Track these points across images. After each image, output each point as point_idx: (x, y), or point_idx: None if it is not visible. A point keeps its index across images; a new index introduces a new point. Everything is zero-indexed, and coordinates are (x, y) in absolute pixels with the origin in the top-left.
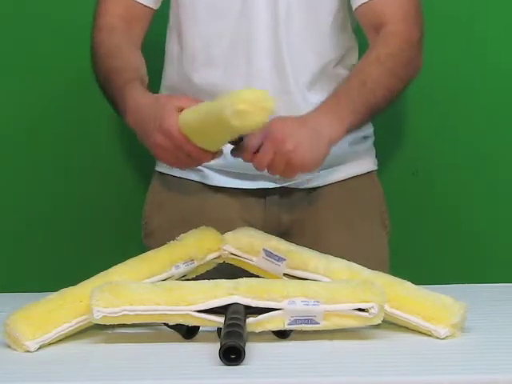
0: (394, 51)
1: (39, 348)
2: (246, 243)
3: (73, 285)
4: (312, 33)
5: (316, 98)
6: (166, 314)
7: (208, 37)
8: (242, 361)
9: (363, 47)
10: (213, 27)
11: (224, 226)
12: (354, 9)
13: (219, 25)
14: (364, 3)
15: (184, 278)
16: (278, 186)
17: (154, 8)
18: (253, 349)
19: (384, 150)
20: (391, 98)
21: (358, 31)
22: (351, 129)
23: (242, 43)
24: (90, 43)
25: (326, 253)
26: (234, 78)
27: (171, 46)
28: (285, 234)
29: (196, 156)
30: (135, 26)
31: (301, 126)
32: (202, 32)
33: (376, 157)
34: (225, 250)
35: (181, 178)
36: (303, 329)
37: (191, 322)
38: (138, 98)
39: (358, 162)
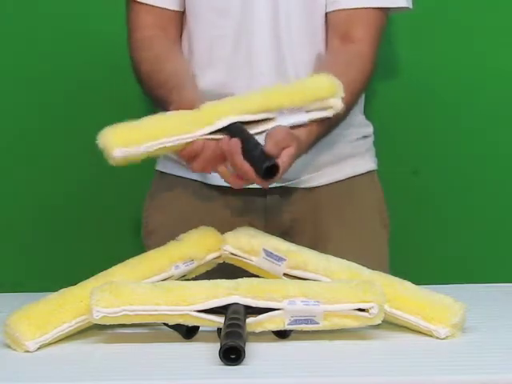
0: (360, 77)
1: (39, 348)
2: (246, 243)
3: (73, 285)
4: (312, 33)
5: None
6: (165, 314)
7: (211, 38)
8: (241, 361)
9: None
10: (215, 29)
11: (224, 226)
12: (327, 10)
13: (221, 26)
14: (340, 10)
15: (184, 277)
16: (279, 185)
17: (181, 10)
18: (253, 349)
19: (384, 149)
20: (338, 123)
21: None
22: (306, 151)
23: (243, 44)
24: (130, 59)
25: (326, 252)
26: (236, 79)
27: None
28: (285, 233)
29: None
30: (170, 31)
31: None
32: (206, 33)
33: (376, 156)
34: (225, 250)
35: (181, 177)
36: (303, 329)
37: (191, 322)
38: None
39: (358, 162)
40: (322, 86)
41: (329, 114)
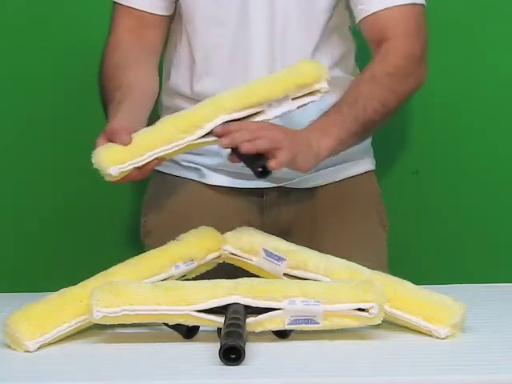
0: (390, 69)
1: (39, 348)
2: (246, 243)
3: (73, 285)
4: (306, 42)
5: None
6: (166, 314)
7: (207, 47)
8: (241, 361)
9: (363, 48)
10: (211, 37)
11: (222, 225)
12: (357, 21)
13: (217, 35)
14: (368, 16)
15: (184, 277)
16: (276, 185)
17: (167, 14)
18: (253, 349)
19: (384, 149)
20: (386, 112)
21: (356, 33)
22: (343, 144)
23: (240, 54)
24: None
25: (324, 252)
26: (232, 87)
27: (180, 50)
28: (283, 233)
29: None
30: (148, 35)
31: (292, 131)
32: (202, 42)
33: (376, 157)
34: (225, 250)
35: (179, 177)
36: (303, 329)
37: (191, 322)
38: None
39: (357, 162)
40: (305, 71)
41: (317, 98)
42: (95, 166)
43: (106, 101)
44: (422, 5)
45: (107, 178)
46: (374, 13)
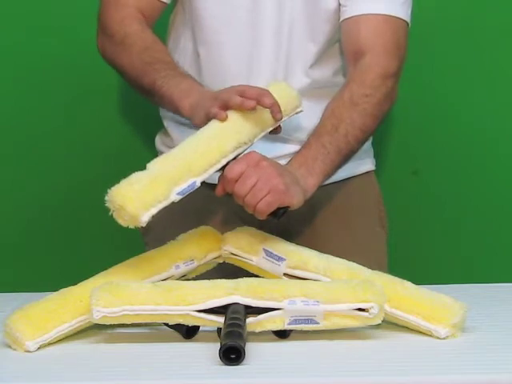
0: (369, 91)
1: (39, 348)
2: (246, 243)
3: (73, 285)
4: (312, 46)
5: (312, 108)
6: (165, 314)
7: (212, 44)
8: (241, 361)
9: None
10: (218, 36)
11: (221, 224)
12: (340, 20)
13: (225, 34)
14: (349, 18)
15: (184, 277)
16: None
17: (167, 2)
18: (253, 349)
19: (384, 149)
20: (364, 139)
21: None
22: (325, 178)
23: (245, 54)
24: (109, 31)
25: (324, 252)
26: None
27: (184, 42)
28: (283, 233)
29: None
30: (148, 18)
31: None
32: (208, 39)
33: (376, 157)
34: (225, 250)
35: None
36: (303, 329)
37: (191, 322)
38: (199, 88)
39: (357, 162)
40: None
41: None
42: (114, 206)
43: (160, 66)
44: (406, 22)
45: (129, 223)
46: (356, 16)
